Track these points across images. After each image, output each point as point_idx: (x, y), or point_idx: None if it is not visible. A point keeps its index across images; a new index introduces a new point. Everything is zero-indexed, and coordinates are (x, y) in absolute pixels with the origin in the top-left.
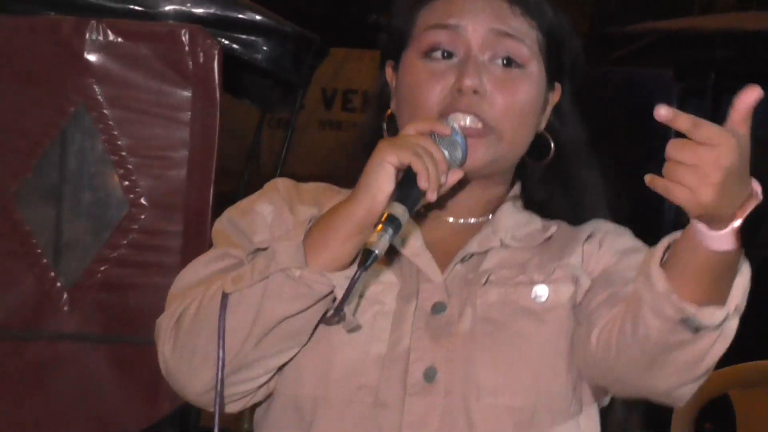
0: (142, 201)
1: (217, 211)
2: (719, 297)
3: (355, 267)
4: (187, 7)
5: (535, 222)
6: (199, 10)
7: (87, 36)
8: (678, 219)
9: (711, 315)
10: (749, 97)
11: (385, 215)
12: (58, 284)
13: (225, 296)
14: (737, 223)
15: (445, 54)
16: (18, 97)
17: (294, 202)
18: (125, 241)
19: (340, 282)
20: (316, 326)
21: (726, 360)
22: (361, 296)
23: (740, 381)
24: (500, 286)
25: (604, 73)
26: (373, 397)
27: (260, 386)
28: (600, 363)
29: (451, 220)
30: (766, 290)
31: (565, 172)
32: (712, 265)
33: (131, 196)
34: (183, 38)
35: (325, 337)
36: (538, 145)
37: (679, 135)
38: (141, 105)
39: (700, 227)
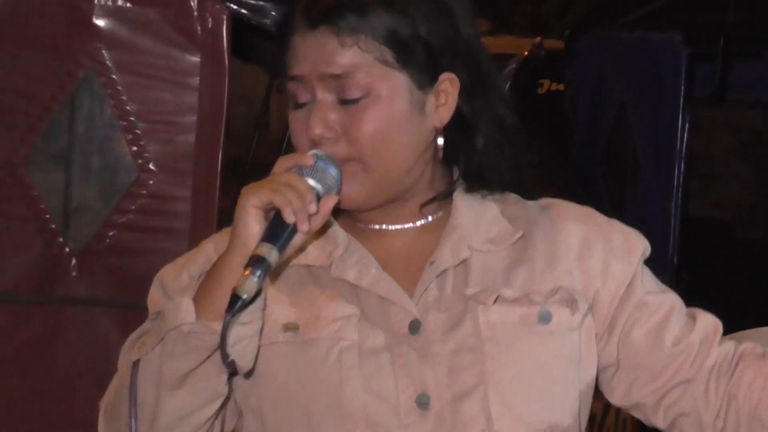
0: (151, 166)
1: (226, 176)
2: None
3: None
4: None
5: (492, 210)
6: None
7: (96, 1)
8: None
9: None
10: None
11: (253, 257)
12: (67, 249)
13: (135, 364)
14: None
15: (300, 105)
16: (27, 62)
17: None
18: (134, 206)
19: (210, 331)
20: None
21: (734, 324)
22: (317, 338)
23: None
24: (504, 306)
25: (613, 38)
26: None
27: None
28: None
29: (403, 226)
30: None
31: (498, 146)
32: None
33: (140, 161)
34: (192, 3)
35: (300, 389)
36: (459, 127)
37: (689, 100)
38: (150, 70)
39: None
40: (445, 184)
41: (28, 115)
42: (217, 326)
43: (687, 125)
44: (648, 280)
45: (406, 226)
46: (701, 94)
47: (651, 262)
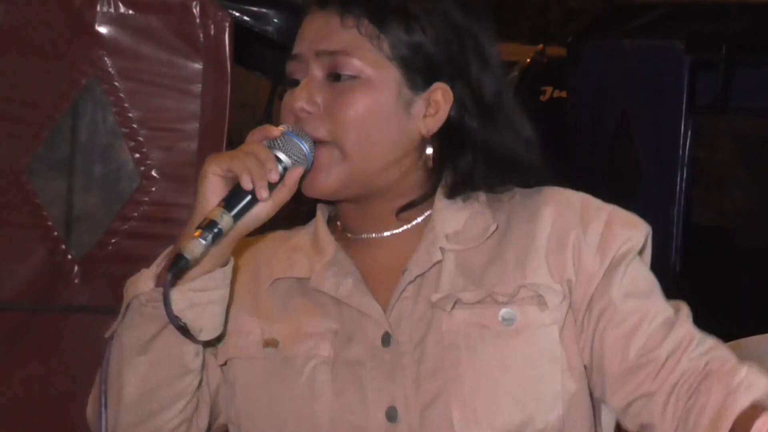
0: (154, 173)
1: None
2: None
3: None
4: None
5: (472, 207)
6: None
7: (98, 8)
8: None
9: None
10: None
11: (205, 220)
12: (70, 256)
13: (109, 341)
14: None
15: (294, 83)
16: (30, 69)
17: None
18: (136, 214)
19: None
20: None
21: (736, 332)
22: (293, 356)
23: (752, 353)
24: (465, 309)
25: (615, 45)
26: None
27: (178, 425)
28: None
29: (389, 233)
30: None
31: (487, 167)
32: None
33: (142, 168)
34: (194, 10)
35: (273, 405)
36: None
37: (691, 108)
38: (152, 77)
39: None
40: (426, 191)
41: (31, 123)
42: (184, 293)
43: (689, 133)
44: (629, 281)
45: (391, 233)
46: (703, 102)
47: (653, 270)
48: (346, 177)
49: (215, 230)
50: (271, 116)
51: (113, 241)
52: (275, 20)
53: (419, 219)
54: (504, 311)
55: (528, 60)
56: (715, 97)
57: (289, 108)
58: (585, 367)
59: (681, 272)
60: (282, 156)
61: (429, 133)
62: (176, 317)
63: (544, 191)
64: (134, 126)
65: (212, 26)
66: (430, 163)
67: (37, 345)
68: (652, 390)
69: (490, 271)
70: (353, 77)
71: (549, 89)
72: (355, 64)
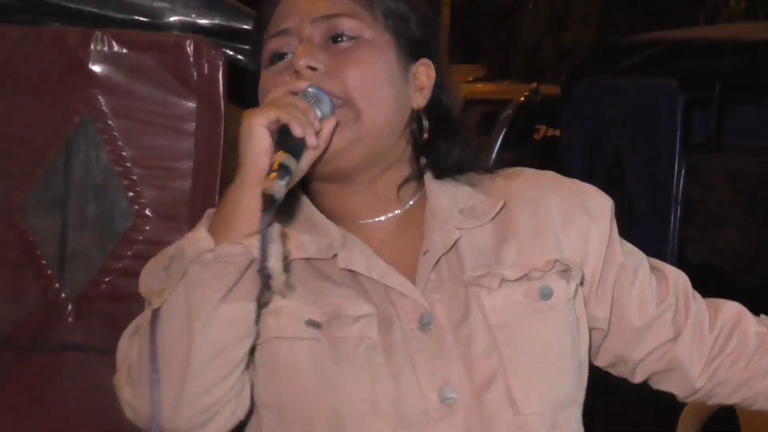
0: (147, 212)
1: None
2: None
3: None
4: (192, 18)
5: (464, 188)
6: (203, 21)
7: (92, 47)
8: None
9: None
10: None
11: (275, 164)
12: (63, 295)
13: (155, 313)
14: None
15: (280, 56)
16: (23, 107)
17: None
18: (130, 252)
19: (241, 249)
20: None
21: None
22: (343, 337)
23: None
24: (507, 287)
25: (608, 84)
26: None
27: (230, 400)
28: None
29: (387, 216)
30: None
31: (461, 137)
32: None
33: (136, 207)
34: (188, 49)
35: (329, 388)
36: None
37: (685, 146)
38: (146, 116)
39: None
40: (417, 167)
41: (24, 161)
42: (248, 242)
43: (683, 171)
44: (619, 238)
45: (386, 216)
46: (698, 140)
47: None
48: (358, 139)
49: (289, 173)
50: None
51: (107, 279)
52: None
53: (411, 201)
54: (542, 286)
55: (522, 98)
56: (709, 136)
57: (283, 84)
58: (592, 333)
59: None
60: (315, 107)
61: (418, 107)
62: (267, 266)
63: (528, 172)
64: (128, 164)
65: (206, 65)
66: (422, 138)
67: (31, 383)
68: (671, 335)
69: (505, 249)
70: (354, 38)
71: (543, 127)
72: (354, 26)
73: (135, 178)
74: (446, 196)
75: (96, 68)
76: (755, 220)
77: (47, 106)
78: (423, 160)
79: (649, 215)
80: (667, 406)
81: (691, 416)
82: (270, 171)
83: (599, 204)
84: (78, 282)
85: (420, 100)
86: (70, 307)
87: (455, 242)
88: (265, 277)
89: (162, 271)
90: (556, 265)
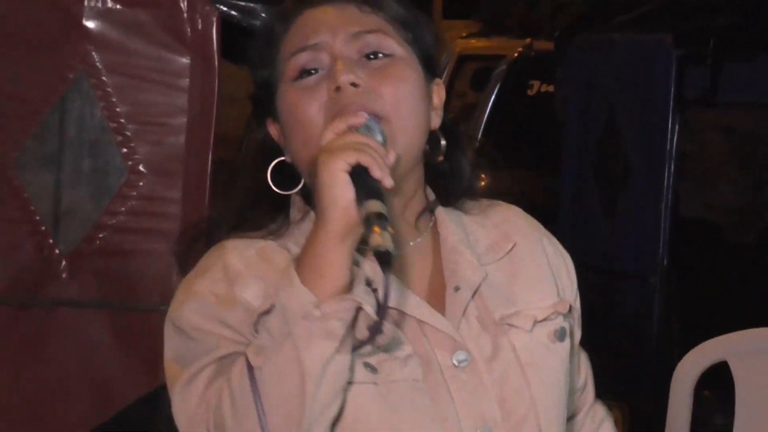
0: (141, 168)
1: (216, 178)
2: None
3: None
4: None
5: (471, 222)
6: None
7: (86, 3)
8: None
9: None
10: None
11: (372, 214)
12: (57, 251)
13: (252, 372)
14: None
15: (312, 71)
16: (17, 63)
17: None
18: (124, 208)
19: (352, 305)
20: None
21: (724, 327)
22: (396, 380)
23: (739, 348)
24: (524, 326)
25: (603, 40)
26: None
27: None
28: None
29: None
30: (765, 260)
31: (459, 166)
32: None
33: (130, 163)
34: (181, 5)
35: (391, 428)
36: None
37: (680, 103)
38: (140, 72)
39: None
40: (426, 196)
41: (19, 118)
42: (351, 297)
43: (677, 127)
44: None
45: (411, 244)
46: (692, 96)
47: (643, 263)
48: (396, 161)
49: (387, 223)
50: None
51: (101, 235)
52: (263, 15)
53: (427, 229)
54: (559, 327)
55: (515, 54)
56: (703, 91)
57: (314, 102)
58: None
59: (669, 266)
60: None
61: (435, 127)
62: (383, 322)
63: (514, 209)
64: (122, 121)
65: (200, 21)
66: (437, 159)
67: (25, 339)
68: (574, 411)
69: (517, 287)
70: (389, 56)
71: (537, 83)
72: (390, 43)
73: (129, 134)
74: (458, 229)
75: (90, 24)
76: (749, 176)
77: (41, 62)
78: (428, 189)
79: (643, 171)
80: (661, 365)
81: (685, 374)
82: (370, 225)
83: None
84: (72, 238)
85: (437, 120)
86: (64, 263)
87: (483, 279)
88: (377, 332)
89: (236, 338)
90: (562, 305)
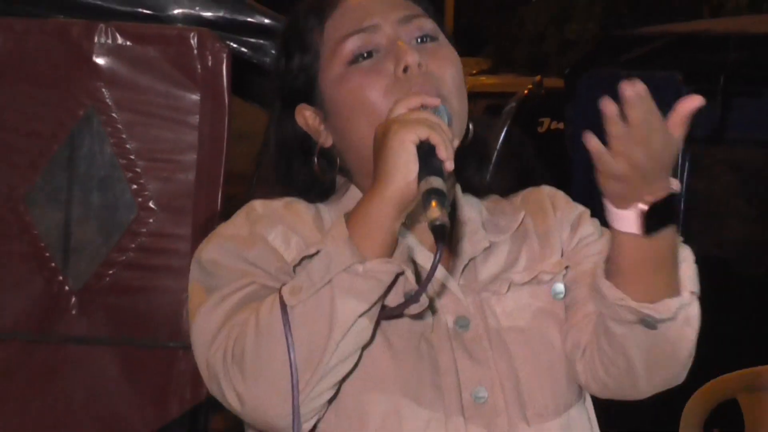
0: (151, 204)
1: (226, 214)
2: (672, 290)
3: (400, 251)
4: (196, 11)
5: (480, 204)
6: (207, 14)
7: (96, 39)
8: None
9: (665, 307)
10: (690, 103)
11: (433, 190)
12: (67, 287)
13: (286, 310)
14: (643, 206)
15: (368, 54)
16: (28, 99)
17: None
18: (134, 245)
19: (395, 269)
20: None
21: (733, 365)
22: (410, 328)
23: (748, 385)
24: (515, 290)
25: (612, 76)
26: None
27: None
28: (590, 383)
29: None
30: None
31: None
32: (641, 256)
33: (140, 199)
34: (192, 41)
35: (399, 369)
36: None
37: (691, 140)
38: (149, 108)
39: (607, 204)
40: None
41: (29, 153)
42: (395, 261)
43: (687, 164)
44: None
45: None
46: (701, 132)
47: None
48: (455, 135)
49: (445, 197)
50: (268, 146)
51: (110, 272)
52: (273, 51)
53: None
54: (556, 285)
55: (525, 91)
56: (712, 128)
57: (379, 81)
58: None
59: None
60: None
61: None
62: (424, 292)
63: (526, 190)
64: (132, 157)
65: (210, 57)
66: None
67: (34, 376)
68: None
69: (520, 258)
70: (435, 39)
71: (547, 120)
72: (434, 26)
73: (139, 170)
74: (473, 209)
75: (100, 61)
76: (758, 212)
77: (51, 98)
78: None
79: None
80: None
81: (694, 411)
82: (428, 198)
83: (560, 194)
84: (82, 274)
85: None
86: (73, 299)
87: (483, 251)
88: (414, 301)
89: (272, 275)
90: (562, 265)
